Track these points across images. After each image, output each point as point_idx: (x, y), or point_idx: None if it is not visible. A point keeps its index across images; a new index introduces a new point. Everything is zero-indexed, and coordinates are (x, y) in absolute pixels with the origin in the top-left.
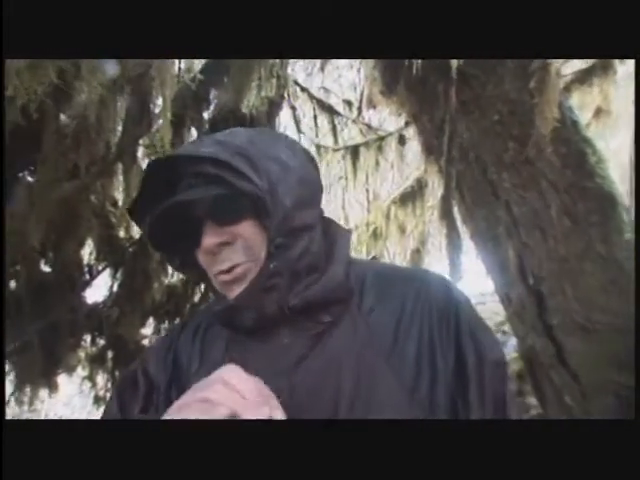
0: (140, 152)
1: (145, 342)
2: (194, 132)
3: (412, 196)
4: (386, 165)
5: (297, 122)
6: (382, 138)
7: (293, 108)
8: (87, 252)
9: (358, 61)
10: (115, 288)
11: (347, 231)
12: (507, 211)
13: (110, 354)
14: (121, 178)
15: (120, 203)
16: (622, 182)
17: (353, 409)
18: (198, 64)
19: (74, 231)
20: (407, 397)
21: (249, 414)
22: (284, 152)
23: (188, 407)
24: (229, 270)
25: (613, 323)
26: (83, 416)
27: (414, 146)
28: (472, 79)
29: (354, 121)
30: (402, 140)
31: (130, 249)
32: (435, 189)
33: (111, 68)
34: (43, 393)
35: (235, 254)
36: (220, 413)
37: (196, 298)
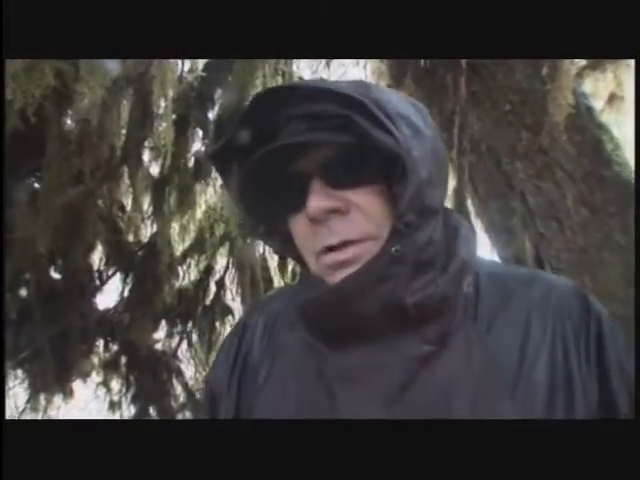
0: (146, 155)
1: (158, 346)
2: (199, 132)
3: None
4: None
5: None
6: None
7: None
8: (97, 258)
9: None
10: (126, 293)
11: (466, 222)
12: (522, 202)
13: (123, 359)
14: (127, 182)
15: (128, 207)
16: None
17: None
18: (201, 63)
19: (81, 237)
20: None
21: None
22: (416, 116)
23: None
24: (340, 247)
25: (634, 314)
26: None
27: None
28: (482, 69)
29: None
30: None
31: (139, 253)
32: (448, 182)
33: (112, 68)
34: (58, 399)
35: (349, 227)
36: None
37: (208, 300)
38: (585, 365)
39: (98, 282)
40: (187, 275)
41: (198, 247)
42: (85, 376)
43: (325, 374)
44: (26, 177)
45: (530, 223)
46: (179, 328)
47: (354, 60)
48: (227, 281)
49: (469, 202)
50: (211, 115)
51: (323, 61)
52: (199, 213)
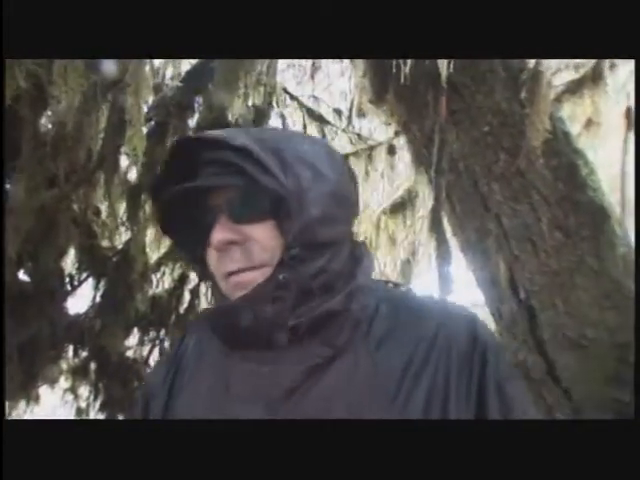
0: (123, 160)
1: (129, 353)
2: None
3: (402, 206)
4: (376, 175)
5: None
6: (372, 147)
7: (282, 117)
8: (69, 262)
9: (349, 69)
10: (97, 299)
11: (372, 254)
12: (497, 224)
13: (93, 366)
14: (103, 187)
15: (103, 213)
16: (612, 193)
17: None
18: (183, 70)
19: (53, 240)
20: None
21: None
22: (323, 161)
23: None
24: (238, 272)
25: (606, 338)
26: None
27: (404, 156)
28: (462, 88)
29: (344, 130)
30: (392, 150)
31: (113, 259)
32: (426, 200)
33: (114, 69)
34: (22, 405)
35: (245, 256)
36: None
37: (182, 309)
38: (465, 391)
39: (69, 287)
40: (161, 283)
41: (173, 255)
42: (53, 382)
43: (227, 375)
44: None
45: (505, 245)
46: (151, 336)
47: (339, 72)
48: (202, 290)
49: (445, 221)
50: (191, 123)
51: (308, 72)
52: None
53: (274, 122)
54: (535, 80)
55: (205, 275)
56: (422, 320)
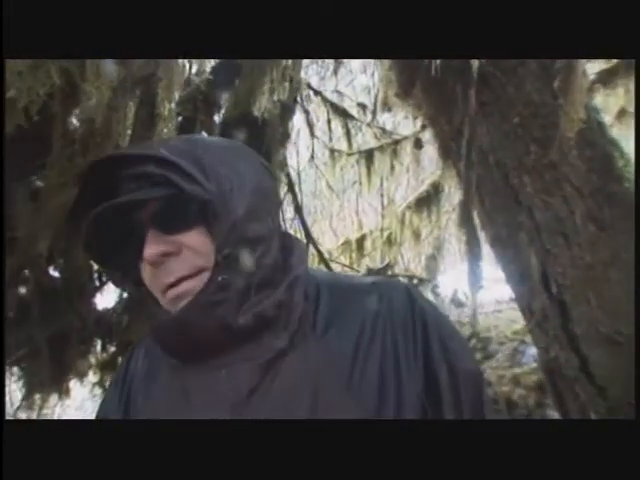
0: None
1: None
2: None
3: (427, 201)
4: (401, 169)
5: (310, 126)
6: (397, 142)
7: (306, 112)
8: None
9: (372, 64)
10: (124, 294)
11: (302, 243)
12: (529, 217)
13: (121, 360)
14: None
15: None
16: None
17: None
18: (208, 66)
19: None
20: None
21: None
22: (240, 161)
23: None
24: (177, 283)
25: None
26: None
27: (430, 150)
28: (492, 79)
29: (368, 125)
30: (418, 144)
31: None
32: (451, 194)
33: (114, 69)
34: (54, 398)
35: (182, 266)
36: None
37: None
38: (412, 353)
39: (98, 282)
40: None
41: None
42: (82, 376)
43: (184, 386)
44: (28, 176)
45: (537, 238)
46: None
47: (362, 68)
48: None
49: (475, 214)
50: (217, 119)
51: (331, 68)
52: None
53: (298, 117)
54: (570, 69)
55: (140, 294)
56: (363, 296)
